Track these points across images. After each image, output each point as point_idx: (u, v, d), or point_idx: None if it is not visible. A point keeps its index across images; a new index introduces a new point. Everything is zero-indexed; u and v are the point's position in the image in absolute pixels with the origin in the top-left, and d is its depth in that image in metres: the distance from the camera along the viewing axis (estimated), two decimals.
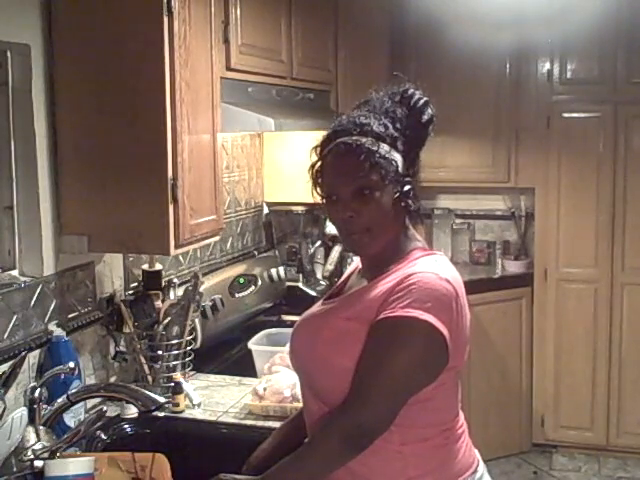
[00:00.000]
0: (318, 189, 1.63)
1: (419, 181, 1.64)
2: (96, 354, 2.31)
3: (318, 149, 1.63)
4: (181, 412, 2.23)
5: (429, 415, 1.56)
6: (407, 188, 1.58)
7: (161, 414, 2.18)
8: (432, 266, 1.55)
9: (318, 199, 1.64)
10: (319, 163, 1.62)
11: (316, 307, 1.71)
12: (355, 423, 1.47)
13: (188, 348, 2.40)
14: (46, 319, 2.09)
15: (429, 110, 1.63)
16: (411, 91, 1.64)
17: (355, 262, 1.77)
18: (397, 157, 1.57)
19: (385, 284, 1.54)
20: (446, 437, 1.59)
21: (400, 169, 1.57)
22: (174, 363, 2.35)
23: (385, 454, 1.53)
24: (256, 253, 3.42)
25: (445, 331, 1.48)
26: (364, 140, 1.55)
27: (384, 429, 1.49)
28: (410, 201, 1.59)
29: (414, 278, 1.51)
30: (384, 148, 1.55)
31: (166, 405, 2.03)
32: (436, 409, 1.57)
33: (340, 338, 1.55)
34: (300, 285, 3.55)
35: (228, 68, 2.48)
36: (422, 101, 1.63)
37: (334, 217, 1.61)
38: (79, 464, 1.62)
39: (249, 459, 1.78)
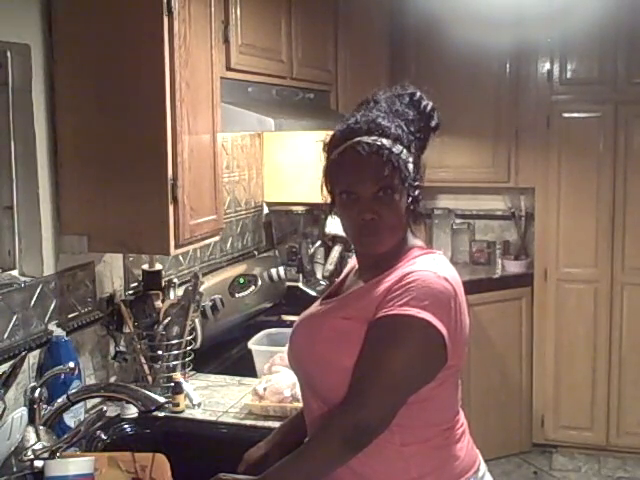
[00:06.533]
0: (329, 186, 1.60)
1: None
2: (96, 354, 2.31)
3: (331, 147, 1.60)
4: (181, 412, 2.23)
5: (429, 415, 1.56)
6: (417, 193, 1.59)
7: (161, 414, 2.18)
8: (430, 264, 1.55)
9: (327, 196, 1.62)
10: (334, 160, 1.58)
11: (314, 307, 1.71)
12: (354, 422, 1.46)
13: (188, 348, 2.40)
14: (46, 319, 2.09)
15: (436, 116, 1.64)
16: (419, 94, 1.65)
17: (352, 261, 1.76)
18: (411, 160, 1.57)
19: (384, 283, 1.54)
20: (447, 437, 1.59)
21: (412, 173, 1.57)
22: (174, 363, 2.35)
23: (387, 455, 1.53)
24: (256, 253, 3.41)
25: (443, 329, 1.48)
26: (385, 141, 1.54)
27: (383, 428, 1.49)
28: (418, 205, 1.60)
29: (412, 276, 1.51)
30: (403, 151, 1.55)
31: (166, 405, 2.02)
32: (436, 408, 1.57)
33: (339, 337, 1.55)
34: (300, 285, 3.55)
35: (228, 68, 2.48)
36: (430, 106, 1.64)
37: (351, 216, 1.57)
38: (79, 464, 1.62)
39: (244, 456, 1.78)
